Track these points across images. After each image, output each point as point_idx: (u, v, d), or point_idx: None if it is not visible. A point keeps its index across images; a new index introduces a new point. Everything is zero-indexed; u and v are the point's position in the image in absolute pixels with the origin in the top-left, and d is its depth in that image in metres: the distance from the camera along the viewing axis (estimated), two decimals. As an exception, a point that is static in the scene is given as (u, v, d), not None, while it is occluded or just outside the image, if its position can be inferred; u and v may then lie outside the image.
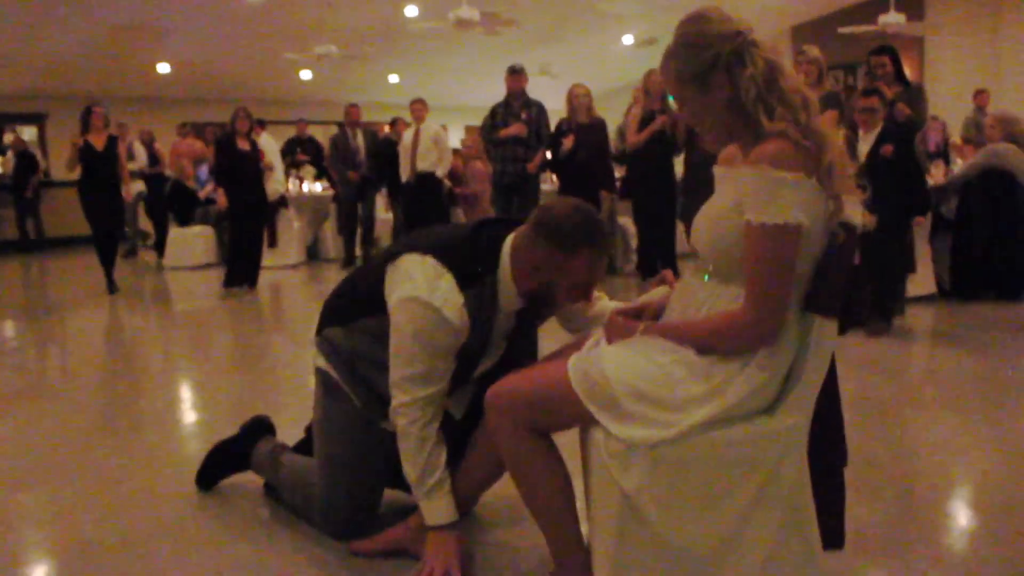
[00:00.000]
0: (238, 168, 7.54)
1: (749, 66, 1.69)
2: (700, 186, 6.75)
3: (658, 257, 7.31)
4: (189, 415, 3.88)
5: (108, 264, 7.64)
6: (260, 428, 2.81)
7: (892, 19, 9.94)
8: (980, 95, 10.18)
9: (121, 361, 5.20)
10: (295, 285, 8.03)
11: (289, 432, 2.84)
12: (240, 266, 7.71)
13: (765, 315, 1.65)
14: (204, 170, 10.16)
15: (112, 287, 7.57)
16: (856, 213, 1.77)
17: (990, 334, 5.14)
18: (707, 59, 1.71)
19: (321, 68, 13.11)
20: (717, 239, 1.75)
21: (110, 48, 11.73)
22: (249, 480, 2.76)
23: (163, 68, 12.96)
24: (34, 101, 13.65)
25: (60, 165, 12.57)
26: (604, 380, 1.72)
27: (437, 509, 2.10)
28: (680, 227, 7.59)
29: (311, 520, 2.45)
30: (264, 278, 8.25)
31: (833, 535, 1.85)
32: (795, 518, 1.71)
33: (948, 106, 9.98)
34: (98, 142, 7.45)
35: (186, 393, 4.30)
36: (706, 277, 1.81)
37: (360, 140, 8.93)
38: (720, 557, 1.68)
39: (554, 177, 8.59)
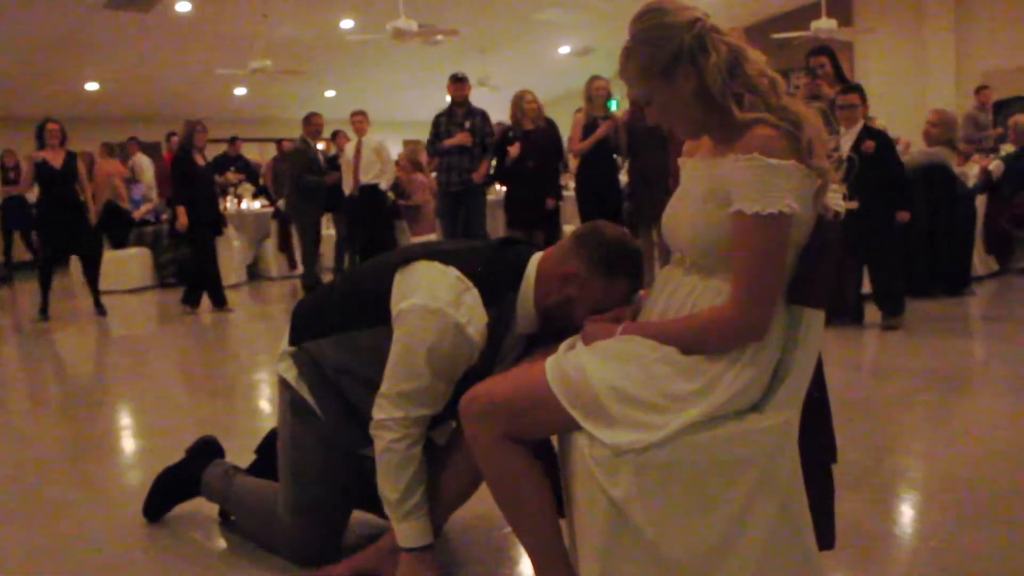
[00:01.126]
0: (198, 185, 7.25)
1: (712, 53, 1.63)
2: (645, 191, 6.81)
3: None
4: (133, 442, 3.69)
5: (47, 289, 7.23)
6: (208, 451, 2.65)
7: (824, 24, 10.15)
8: (982, 91, 9.90)
9: (57, 389, 4.96)
10: (237, 304, 7.77)
11: (243, 457, 2.69)
12: (199, 286, 7.46)
13: (755, 309, 1.58)
14: (139, 190, 9.85)
15: (45, 314, 7.19)
16: (836, 198, 1.72)
17: (939, 328, 5.22)
18: (670, 51, 1.65)
19: (256, 84, 12.88)
20: (697, 233, 1.68)
21: (34, 65, 11.34)
22: (200, 508, 2.60)
23: (91, 86, 12.58)
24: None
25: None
26: (585, 383, 1.63)
27: (413, 531, 1.98)
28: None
29: (272, 546, 2.31)
30: (206, 299, 8.01)
31: (824, 535, 1.78)
32: (790, 518, 1.63)
33: (877, 106, 10.19)
34: (55, 159, 7.04)
35: (129, 420, 4.10)
36: (680, 271, 1.75)
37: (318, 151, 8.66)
38: (715, 562, 1.59)
39: (496, 186, 8.51)
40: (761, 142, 1.57)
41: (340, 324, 2.10)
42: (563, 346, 1.79)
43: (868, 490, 2.63)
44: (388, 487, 1.97)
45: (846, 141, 5.07)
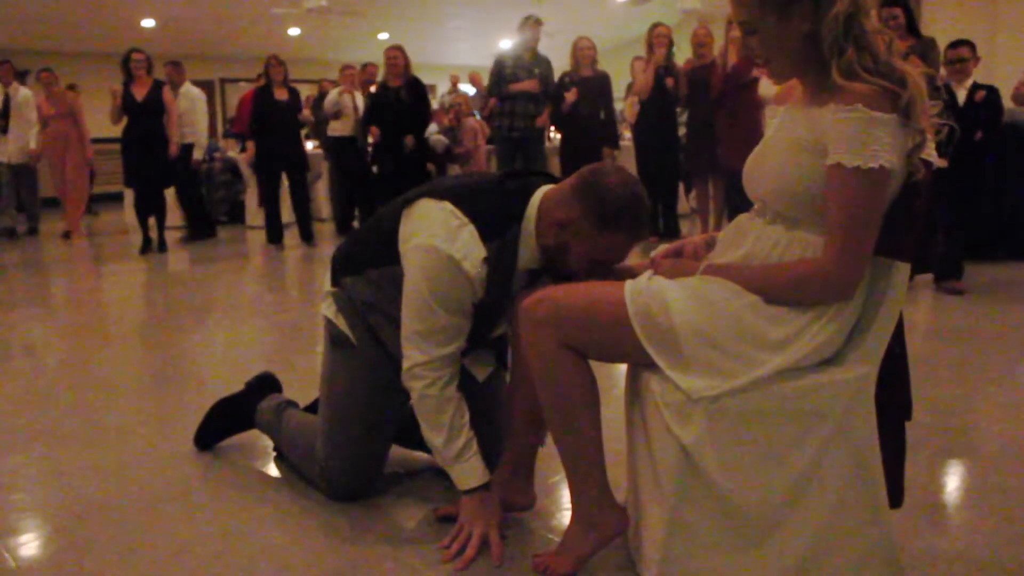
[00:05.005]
0: (273, 120, 7.36)
1: (837, 2, 1.53)
2: (700, 143, 6.68)
3: (660, 216, 7.21)
4: (195, 374, 3.74)
5: (145, 222, 7.34)
6: (266, 385, 2.68)
7: (894, -26, 9.79)
8: None
9: (121, 320, 5.06)
10: (289, 244, 7.83)
11: (302, 394, 2.71)
12: (279, 222, 7.58)
13: (850, 266, 1.53)
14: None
15: (147, 246, 7.29)
16: (930, 150, 1.64)
17: (1005, 293, 5.08)
18: None
19: (310, 24, 12.82)
20: (784, 182, 1.60)
21: (92, 1, 11.38)
22: (258, 441, 2.64)
23: (148, 23, 12.60)
24: (12, 57, 13.20)
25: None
26: (666, 318, 1.57)
27: (467, 472, 1.97)
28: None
29: (310, 479, 2.33)
30: (257, 237, 8.07)
31: (893, 493, 1.74)
32: (863, 473, 1.61)
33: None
34: (139, 91, 7.02)
35: (191, 352, 4.15)
36: (761, 222, 1.68)
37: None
38: (785, 513, 1.58)
39: (552, 132, 8.39)
40: (864, 94, 1.49)
41: (363, 263, 2.14)
42: (645, 274, 1.73)
43: (926, 451, 2.57)
44: (431, 433, 1.97)
45: (959, 96, 5.01)
